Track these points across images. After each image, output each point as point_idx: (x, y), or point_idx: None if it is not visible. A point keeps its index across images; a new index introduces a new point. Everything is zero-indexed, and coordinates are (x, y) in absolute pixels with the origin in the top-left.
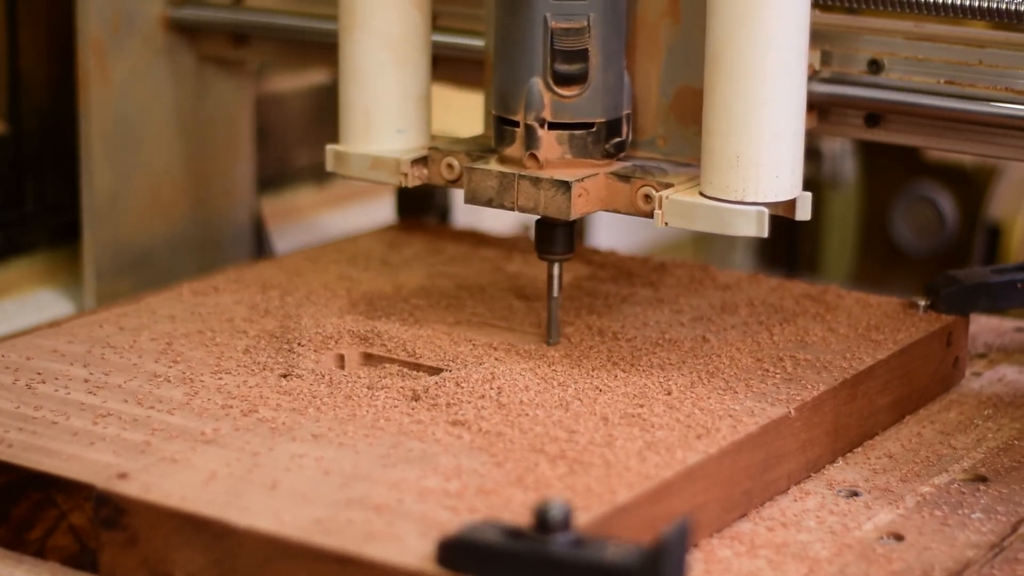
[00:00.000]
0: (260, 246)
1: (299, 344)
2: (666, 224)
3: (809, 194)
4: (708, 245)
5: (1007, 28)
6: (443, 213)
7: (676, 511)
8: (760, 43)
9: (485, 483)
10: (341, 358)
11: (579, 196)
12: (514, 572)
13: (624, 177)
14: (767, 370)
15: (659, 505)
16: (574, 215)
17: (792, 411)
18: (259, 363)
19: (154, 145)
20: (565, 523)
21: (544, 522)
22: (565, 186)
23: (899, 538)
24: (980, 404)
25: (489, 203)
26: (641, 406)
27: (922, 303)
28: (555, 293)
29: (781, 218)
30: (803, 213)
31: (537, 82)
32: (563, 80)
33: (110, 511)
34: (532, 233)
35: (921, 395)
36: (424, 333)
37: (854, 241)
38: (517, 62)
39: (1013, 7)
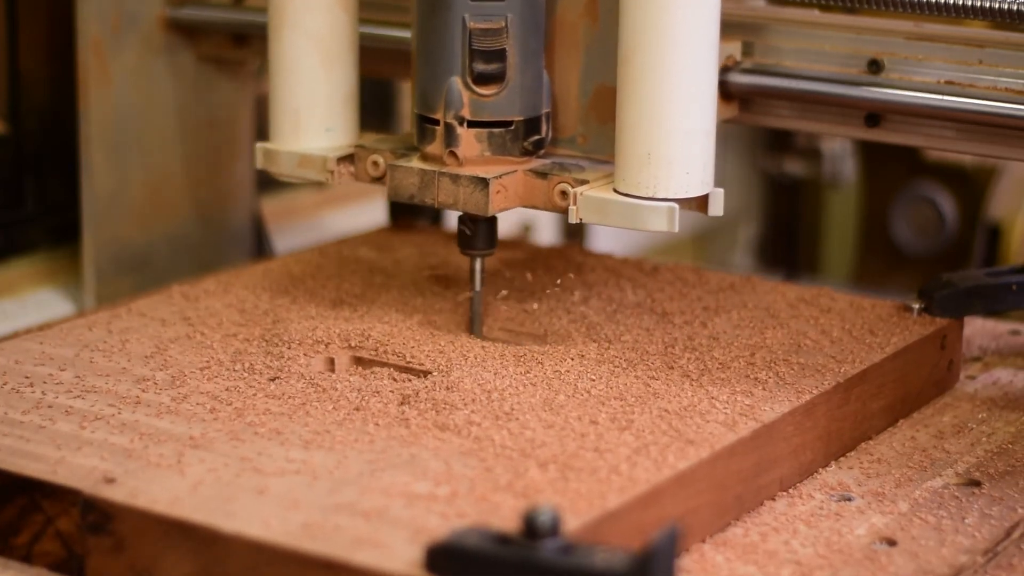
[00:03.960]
0: (260, 246)
1: (288, 347)
2: (580, 220)
3: (721, 190)
4: (707, 246)
5: (1007, 28)
6: (435, 215)
7: (667, 516)
8: (669, 42)
9: (474, 488)
10: (331, 361)
11: (497, 192)
12: None
13: (542, 174)
14: (760, 374)
15: (650, 510)
16: (492, 211)
17: (784, 415)
18: (248, 367)
19: (154, 145)
20: (554, 529)
21: (533, 528)
22: (483, 183)
23: (892, 543)
24: (974, 407)
25: (411, 199)
26: (632, 410)
27: (916, 306)
28: (477, 288)
29: (782, 219)
30: (715, 209)
31: (456, 81)
32: (481, 79)
33: (97, 516)
34: (530, 235)
35: (915, 398)
36: (414, 336)
37: (854, 241)
38: (437, 62)
39: (1013, 7)
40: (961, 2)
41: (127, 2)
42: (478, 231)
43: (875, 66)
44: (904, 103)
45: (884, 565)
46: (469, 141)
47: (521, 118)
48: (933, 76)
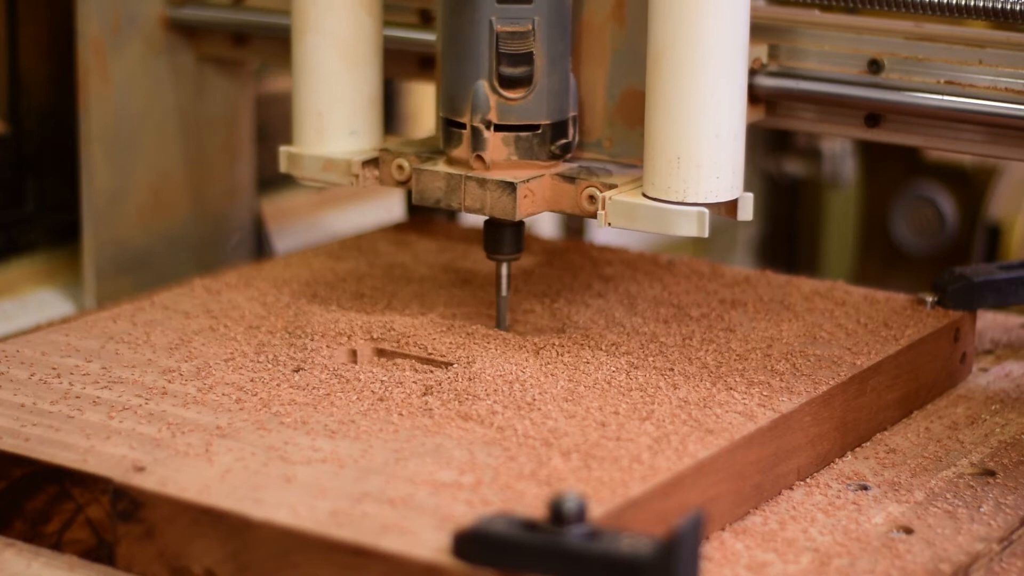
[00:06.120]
0: (260, 246)
1: (311, 339)
2: (609, 224)
3: (751, 194)
4: (707, 246)
5: (1007, 28)
6: (452, 211)
7: (688, 504)
8: (698, 46)
9: (498, 476)
10: (353, 353)
11: (524, 197)
12: (529, 564)
13: (569, 178)
14: (776, 365)
15: (671, 499)
16: (520, 215)
17: (802, 406)
18: (272, 358)
19: (154, 145)
20: (580, 515)
21: (559, 514)
22: (511, 187)
23: (908, 531)
24: (987, 399)
25: (437, 203)
26: (652, 401)
27: (930, 299)
28: (503, 292)
29: (781, 218)
30: (744, 214)
31: (483, 85)
32: (508, 83)
33: (127, 504)
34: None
35: (929, 390)
36: (435, 328)
37: (854, 241)
38: (463, 65)
39: (1013, 7)
40: (961, 2)
41: (127, 2)
42: (504, 236)
43: (875, 66)
44: (904, 103)
45: (901, 553)
46: (496, 145)
47: (548, 122)
48: (933, 76)
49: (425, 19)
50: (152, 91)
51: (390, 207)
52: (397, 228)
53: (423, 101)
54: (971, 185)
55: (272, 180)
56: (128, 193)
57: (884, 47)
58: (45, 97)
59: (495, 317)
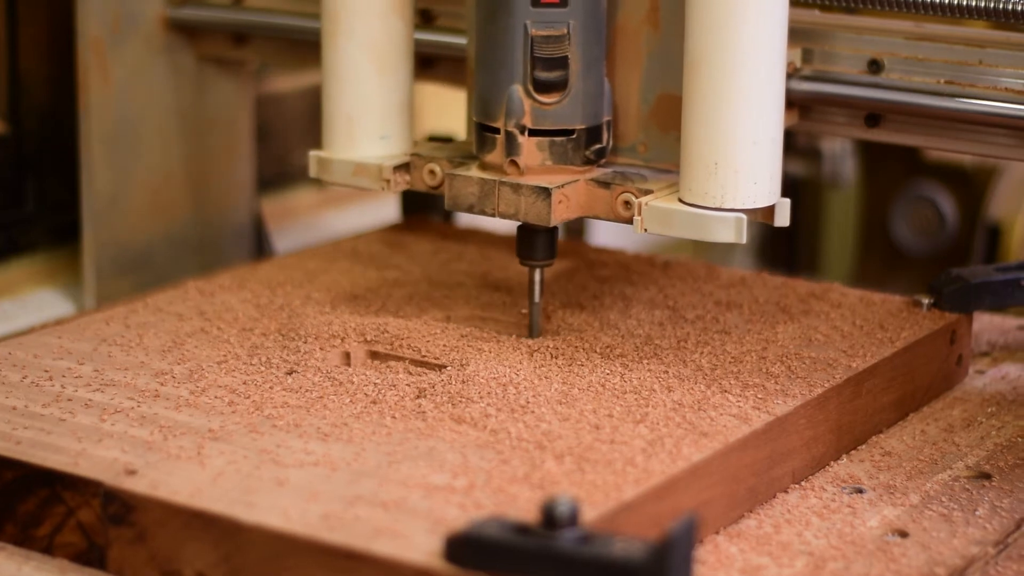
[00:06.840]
0: (260, 246)
1: (305, 342)
2: (645, 230)
3: (788, 200)
4: (707, 246)
5: (1007, 28)
6: (447, 211)
7: (682, 508)
8: (737, 51)
9: (491, 480)
10: (347, 355)
11: (559, 202)
12: (522, 568)
13: (604, 184)
14: (772, 367)
15: (665, 502)
16: (554, 221)
17: (797, 409)
18: (265, 361)
19: (154, 145)
20: (572, 519)
21: (552, 518)
22: (545, 192)
23: (904, 535)
24: (983, 402)
25: (470, 209)
26: (646, 403)
27: (926, 301)
28: (536, 299)
29: None
30: (782, 219)
31: (517, 89)
32: (543, 87)
33: (118, 508)
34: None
35: (925, 393)
36: (429, 331)
37: (854, 241)
38: (498, 69)
39: (1013, 7)
40: (961, 2)
41: (127, 2)
42: (538, 242)
43: (875, 66)
44: (905, 103)
45: (896, 556)
46: (530, 150)
47: (583, 126)
48: (933, 76)
49: (426, 19)
50: (152, 91)
51: (390, 207)
52: (392, 229)
53: (423, 101)
54: (971, 185)
55: (272, 180)
56: (128, 193)
57: (884, 47)
58: (45, 97)
59: (528, 324)
